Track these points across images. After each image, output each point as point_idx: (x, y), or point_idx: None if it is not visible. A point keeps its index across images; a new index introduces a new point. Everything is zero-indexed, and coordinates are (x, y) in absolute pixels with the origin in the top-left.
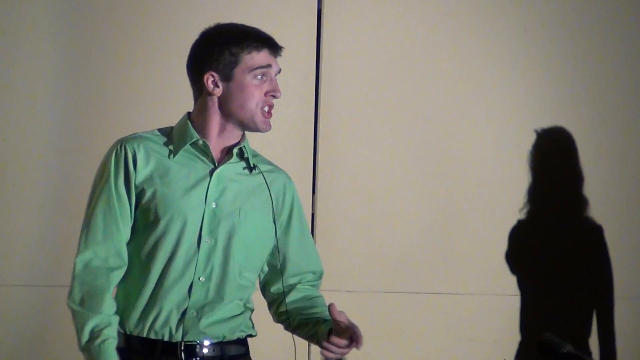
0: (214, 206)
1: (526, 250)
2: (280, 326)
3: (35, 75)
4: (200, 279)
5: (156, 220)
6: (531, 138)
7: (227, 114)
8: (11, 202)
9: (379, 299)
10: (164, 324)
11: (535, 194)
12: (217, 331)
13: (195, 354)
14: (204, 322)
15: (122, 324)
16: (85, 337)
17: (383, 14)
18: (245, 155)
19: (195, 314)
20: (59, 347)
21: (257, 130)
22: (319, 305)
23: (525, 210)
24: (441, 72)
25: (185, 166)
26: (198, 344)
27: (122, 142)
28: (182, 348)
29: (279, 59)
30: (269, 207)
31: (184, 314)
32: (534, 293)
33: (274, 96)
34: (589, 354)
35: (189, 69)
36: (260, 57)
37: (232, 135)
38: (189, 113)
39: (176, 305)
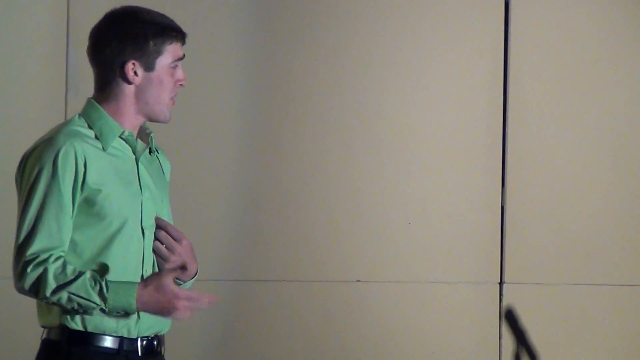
0: (147, 195)
1: None
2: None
3: (223, 73)
4: (148, 272)
5: (110, 218)
6: None
7: (141, 103)
8: (205, 198)
9: (569, 291)
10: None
11: None
12: (165, 324)
13: (153, 350)
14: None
15: (83, 322)
16: (96, 291)
17: (573, 7)
18: (150, 134)
19: None
20: (250, 337)
21: (160, 121)
22: None
23: None
24: (633, 68)
25: (117, 158)
26: (154, 337)
27: (65, 142)
28: (142, 344)
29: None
30: (165, 185)
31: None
32: None
33: (182, 85)
34: None
35: (98, 52)
36: (177, 48)
37: (139, 122)
38: (93, 99)
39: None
